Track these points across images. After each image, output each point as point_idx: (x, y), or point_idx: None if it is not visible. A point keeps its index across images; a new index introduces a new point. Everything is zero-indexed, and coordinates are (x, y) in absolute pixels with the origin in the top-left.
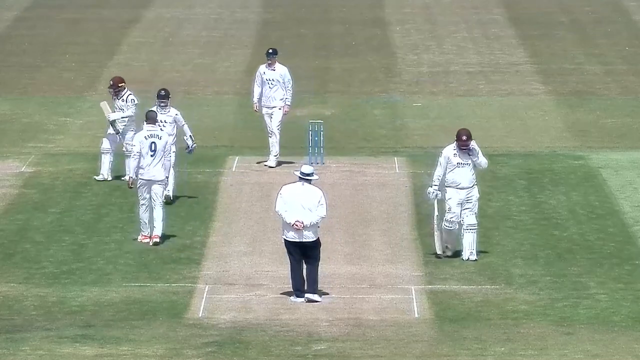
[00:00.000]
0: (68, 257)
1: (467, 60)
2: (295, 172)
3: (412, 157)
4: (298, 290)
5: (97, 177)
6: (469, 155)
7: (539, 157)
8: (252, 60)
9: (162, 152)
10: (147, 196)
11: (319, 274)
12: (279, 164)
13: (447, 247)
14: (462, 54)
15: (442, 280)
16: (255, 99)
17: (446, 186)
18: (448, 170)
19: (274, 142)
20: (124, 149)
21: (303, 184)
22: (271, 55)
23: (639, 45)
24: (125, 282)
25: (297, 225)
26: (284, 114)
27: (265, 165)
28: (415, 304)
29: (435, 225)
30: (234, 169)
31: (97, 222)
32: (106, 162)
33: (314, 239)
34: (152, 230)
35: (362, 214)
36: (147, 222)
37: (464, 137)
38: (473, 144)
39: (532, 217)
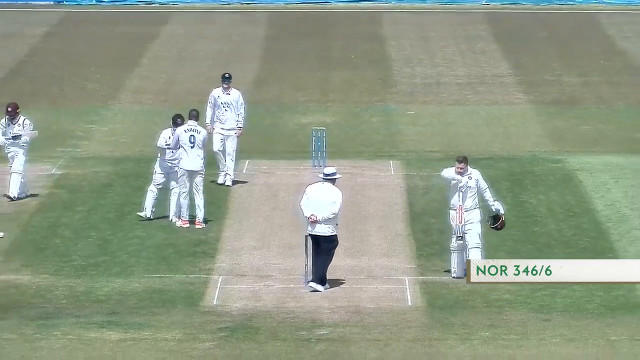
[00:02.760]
0: (94, 251)
1: (456, 73)
2: (319, 175)
3: (406, 160)
4: (319, 281)
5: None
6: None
7: (520, 160)
8: (260, 72)
9: (201, 145)
10: (188, 185)
11: (327, 268)
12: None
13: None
14: (451, 66)
15: (433, 272)
16: (209, 120)
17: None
18: (452, 192)
19: (231, 165)
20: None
21: (324, 183)
22: (227, 80)
23: (613, 58)
24: (147, 273)
25: (311, 218)
26: (237, 137)
27: (225, 185)
28: (408, 293)
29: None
30: (244, 171)
31: (121, 219)
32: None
33: (328, 234)
34: (187, 215)
35: (360, 212)
36: (187, 208)
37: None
38: (478, 175)
39: (515, 215)
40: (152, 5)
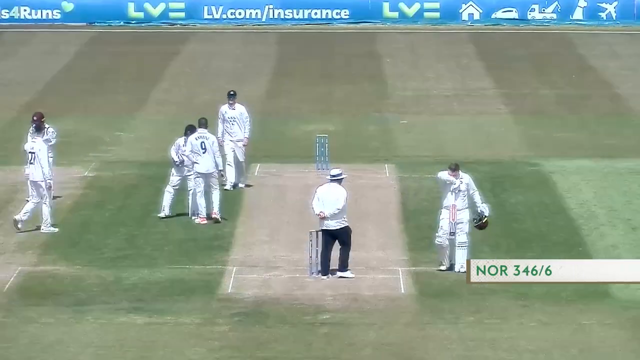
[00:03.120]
0: (122, 245)
1: (444, 86)
2: (328, 177)
3: (399, 164)
4: (323, 270)
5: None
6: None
7: (501, 164)
8: (270, 86)
9: (212, 150)
10: (203, 185)
11: (349, 257)
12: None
13: (441, 263)
14: (439, 81)
15: (424, 263)
16: (220, 134)
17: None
18: (445, 193)
19: (242, 170)
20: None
21: (330, 183)
22: (232, 97)
23: (583, 74)
24: (169, 265)
25: (320, 215)
26: (244, 146)
27: (243, 186)
28: (402, 282)
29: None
30: (256, 174)
31: (146, 216)
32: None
33: (339, 227)
34: (209, 210)
35: (359, 210)
36: (204, 206)
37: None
38: (469, 179)
39: (496, 213)
40: (174, 26)
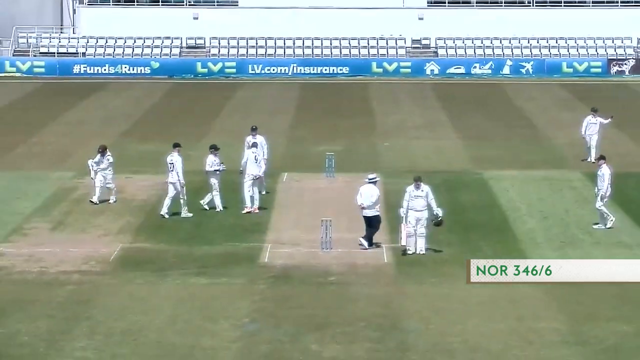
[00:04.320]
0: (192, 229)
1: (414, 120)
2: (365, 179)
3: (384, 174)
4: (367, 240)
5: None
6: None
7: (454, 173)
8: (294, 119)
9: (258, 161)
10: (250, 184)
11: (373, 237)
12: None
13: (408, 249)
14: (411, 116)
15: (399, 241)
16: (244, 161)
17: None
18: (410, 199)
19: (263, 183)
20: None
21: (368, 184)
22: (253, 131)
23: (511, 111)
24: (224, 242)
25: (360, 206)
26: (261, 176)
27: (264, 193)
28: (384, 254)
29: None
30: (284, 180)
31: (207, 210)
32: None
33: (372, 214)
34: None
35: (354, 205)
36: (250, 200)
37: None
38: (428, 189)
39: (450, 208)
40: (228, 78)
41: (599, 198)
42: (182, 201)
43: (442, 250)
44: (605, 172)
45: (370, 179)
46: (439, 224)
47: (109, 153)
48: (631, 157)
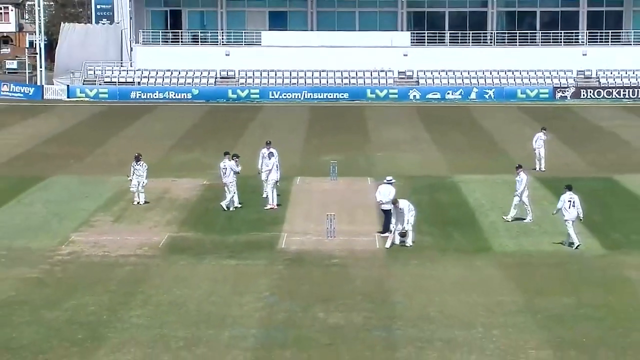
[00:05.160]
0: (224, 222)
1: (402, 135)
2: (384, 180)
3: (376, 178)
4: (386, 230)
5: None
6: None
7: (433, 178)
8: (306, 135)
9: (277, 167)
10: (270, 186)
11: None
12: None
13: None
14: (399, 132)
15: (388, 232)
16: (260, 167)
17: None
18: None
19: (277, 187)
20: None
21: (386, 184)
22: (268, 145)
23: (476, 129)
24: (249, 231)
25: (380, 202)
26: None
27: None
28: (377, 242)
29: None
30: (297, 183)
31: (237, 209)
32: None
33: (388, 208)
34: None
35: (353, 203)
36: (272, 199)
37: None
38: (408, 204)
39: (428, 205)
40: (253, 102)
41: (518, 196)
42: (234, 197)
43: (424, 239)
44: (523, 177)
45: (388, 180)
46: (403, 234)
47: (142, 161)
48: (575, 166)
